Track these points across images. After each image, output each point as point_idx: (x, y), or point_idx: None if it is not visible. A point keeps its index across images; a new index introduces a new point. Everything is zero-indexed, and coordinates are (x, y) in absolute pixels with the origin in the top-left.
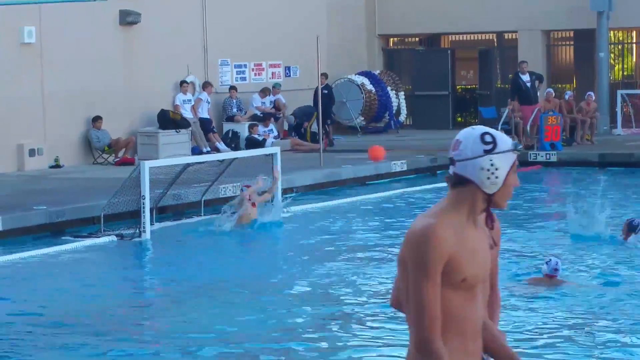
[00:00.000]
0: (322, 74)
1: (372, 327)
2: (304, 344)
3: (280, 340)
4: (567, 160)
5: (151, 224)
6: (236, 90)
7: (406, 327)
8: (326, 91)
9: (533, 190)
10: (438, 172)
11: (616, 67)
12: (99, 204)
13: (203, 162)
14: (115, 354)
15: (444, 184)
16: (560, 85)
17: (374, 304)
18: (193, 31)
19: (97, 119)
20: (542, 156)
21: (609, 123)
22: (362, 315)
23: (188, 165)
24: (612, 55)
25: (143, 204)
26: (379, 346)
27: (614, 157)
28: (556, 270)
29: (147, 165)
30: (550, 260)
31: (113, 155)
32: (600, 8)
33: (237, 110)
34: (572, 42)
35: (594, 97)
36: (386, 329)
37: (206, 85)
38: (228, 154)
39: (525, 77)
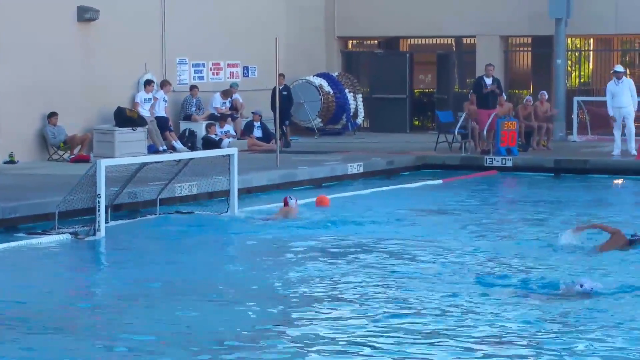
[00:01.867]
0: (279, 75)
1: (330, 324)
2: (254, 344)
3: (233, 340)
4: (522, 165)
5: (106, 222)
6: (197, 90)
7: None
8: (285, 92)
9: (489, 195)
10: (394, 175)
11: (573, 74)
12: (54, 200)
13: (160, 162)
14: (66, 353)
15: (401, 186)
16: (517, 91)
17: (334, 302)
18: (151, 29)
19: (52, 115)
20: (498, 161)
21: (565, 129)
22: (318, 313)
23: (145, 164)
24: (569, 62)
25: (98, 202)
26: (346, 344)
27: (569, 164)
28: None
29: (103, 163)
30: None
31: (68, 152)
32: (559, 15)
33: (195, 109)
34: (530, 48)
35: (546, 96)
36: (349, 325)
37: (164, 84)
38: (185, 154)
39: (489, 81)
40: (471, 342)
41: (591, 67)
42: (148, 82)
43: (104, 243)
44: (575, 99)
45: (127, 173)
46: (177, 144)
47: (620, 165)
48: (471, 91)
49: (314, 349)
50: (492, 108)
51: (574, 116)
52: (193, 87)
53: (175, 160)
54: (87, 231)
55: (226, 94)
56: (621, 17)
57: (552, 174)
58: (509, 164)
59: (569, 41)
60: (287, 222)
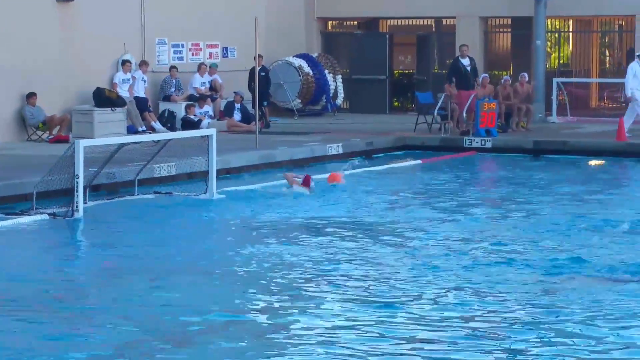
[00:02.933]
0: (258, 56)
1: (304, 308)
2: (229, 324)
3: (211, 318)
4: (501, 146)
5: (84, 203)
6: (177, 70)
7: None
8: (263, 73)
9: (467, 175)
10: (374, 155)
11: (552, 56)
12: (32, 181)
13: (138, 142)
14: (46, 334)
15: (380, 167)
16: (497, 72)
17: (311, 282)
18: (130, 9)
19: (31, 96)
20: (477, 142)
21: (544, 111)
22: (295, 295)
23: (123, 145)
24: (549, 44)
25: (77, 182)
26: (326, 328)
27: (548, 145)
28: None
29: (82, 144)
30: None
31: (47, 132)
32: None
33: (175, 90)
34: (509, 30)
35: (527, 78)
36: (320, 310)
37: (142, 64)
38: (163, 135)
39: (465, 61)
40: (459, 324)
41: (570, 48)
42: (124, 62)
43: (82, 223)
44: (555, 80)
45: (105, 154)
46: (157, 125)
47: (599, 146)
48: (448, 73)
49: (293, 330)
50: (472, 89)
51: (554, 97)
52: (172, 68)
53: (153, 140)
54: (65, 212)
55: (201, 69)
56: None
57: (531, 155)
58: (488, 145)
59: (549, 22)
60: (267, 203)
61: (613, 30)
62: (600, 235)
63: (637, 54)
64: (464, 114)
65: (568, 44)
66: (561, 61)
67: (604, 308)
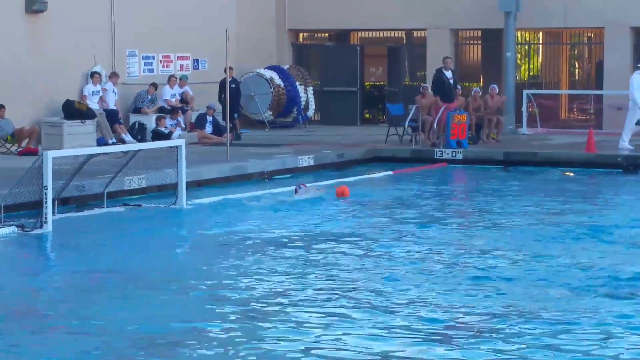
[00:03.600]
0: (228, 68)
1: (270, 320)
2: (204, 334)
3: (178, 331)
4: (472, 158)
5: (53, 215)
6: (155, 88)
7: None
8: (233, 85)
9: (437, 186)
10: (345, 167)
11: (523, 67)
12: (0, 193)
13: (107, 154)
14: (10, 346)
15: (351, 179)
16: (467, 84)
17: (272, 297)
18: (101, 21)
19: (0, 108)
20: (448, 154)
21: (515, 122)
22: (259, 308)
23: (91, 156)
24: (519, 55)
25: (45, 194)
26: (279, 339)
27: (518, 156)
28: None
29: (50, 155)
30: None
31: (16, 145)
32: (508, 8)
33: (147, 103)
34: (480, 42)
35: (497, 90)
36: (288, 322)
37: (112, 76)
38: (131, 146)
39: (448, 74)
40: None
41: (540, 60)
42: (93, 74)
43: (50, 236)
44: (525, 92)
45: (74, 165)
46: (127, 137)
47: (569, 157)
48: (423, 85)
49: (258, 343)
50: (452, 101)
51: (524, 109)
52: (151, 85)
53: (122, 151)
54: (33, 224)
55: (171, 81)
56: (570, 10)
57: (502, 167)
58: (459, 156)
59: (519, 34)
60: (237, 214)
61: (582, 43)
62: (571, 243)
63: (638, 64)
64: (435, 126)
65: (538, 56)
66: (531, 73)
67: (571, 317)
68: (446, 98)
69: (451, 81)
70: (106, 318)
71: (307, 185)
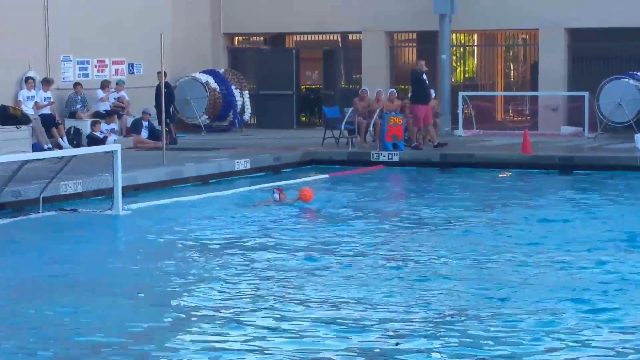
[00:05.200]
0: (161, 72)
1: (212, 324)
2: (142, 344)
3: (115, 338)
4: (409, 160)
5: None
6: (82, 87)
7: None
8: (166, 89)
9: (373, 188)
10: (282, 170)
11: (458, 70)
12: None
13: (42, 159)
14: None
15: (287, 182)
16: (403, 87)
17: (209, 301)
18: (35, 26)
19: None
20: (384, 156)
21: (451, 124)
22: (196, 311)
23: (26, 162)
24: (454, 58)
25: None
26: (220, 343)
27: (455, 158)
28: None
29: None
30: None
31: None
32: (443, 11)
33: (80, 107)
34: (415, 44)
35: (434, 95)
36: (228, 328)
37: (45, 82)
38: (67, 151)
39: (425, 76)
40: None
41: (476, 62)
42: (27, 79)
43: None
44: (461, 93)
45: (8, 172)
46: (63, 142)
47: (505, 158)
48: (362, 88)
49: (192, 347)
50: (428, 102)
51: (460, 111)
52: (77, 85)
53: (57, 157)
54: None
55: (105, 85)
56: (505, 12)
57: (438, 168)
58: (396, 158)
59: (454, 36)
60: (173, 219)
61: (517, 44)
62: (509, 245)
63: None
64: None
65: (473, 58)
66: (467, 75)
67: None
68: (421, 100)
69: (427, 82)
70: (40, 323)
71: (283, 191)
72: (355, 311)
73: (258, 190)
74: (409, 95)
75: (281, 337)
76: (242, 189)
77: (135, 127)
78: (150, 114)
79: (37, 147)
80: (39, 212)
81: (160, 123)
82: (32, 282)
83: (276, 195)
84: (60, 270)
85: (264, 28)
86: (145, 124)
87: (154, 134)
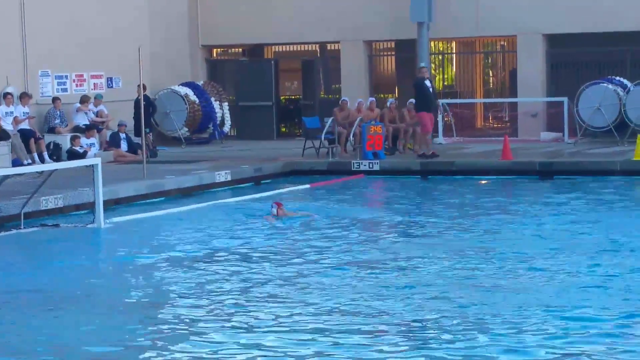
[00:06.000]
0: (140, 85)
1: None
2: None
3: (97, 353)
4: (389, 169)
5: None
6: (60, 101)
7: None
8: (145, 102)
9: (354, 197)
10: (262, 182)
11: (437, 77)
12: None
13: (21, 174)
14: None
15: (268, 193)
16: (382, 95)
17: (191, 312)
18: (12, 41)
19: None
20: (365, 165)
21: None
22: (177, 325)
23: (6, 177)
24: (433, 66)
25: None
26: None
27: (435, 166)
28: None
29: None
30: None
31: None
32: (420, 19)
33: (59, 122)
34: (393, 53)
35: (414, 103)
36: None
37: (23, 96)
38: (47, 166)
39: (428, 83)
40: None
41: (455, 69)
42: (5, 95)
43: None
44: (440, 101)
45: None
46: (44, 157)
47: (484, 166)
48: (342, 99)
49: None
50: (434, 111)
51: (439, 119)
52: (56, 99)
53: (37, 172)
54: None
55: (84, 101)
56: (482, 19)
57: (419, 177)
58: (376, 167)
59: (432, 44)
60: (155, 232)
61: (496, 51)
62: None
63: None
64: (351, 138)
65: (452, 65)
66: (446, 83)
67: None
68: (426, 108)
69: (430, 90)
70: (22, 338)
71: (282, 206)
72: (338, 322)
73: (239, 203)
74: (413, 102)
75: (264, 348)
76: (223, 201)
77: (114, 140)
78: (126, 125)
79: (16, 163)
80: (20, 228)
81: (138, 135)
82: (13, 297)
83: (274, 210)
84: (43, 285)
85: (242, 39)
86: (122, 136)
87: (132, 146)
